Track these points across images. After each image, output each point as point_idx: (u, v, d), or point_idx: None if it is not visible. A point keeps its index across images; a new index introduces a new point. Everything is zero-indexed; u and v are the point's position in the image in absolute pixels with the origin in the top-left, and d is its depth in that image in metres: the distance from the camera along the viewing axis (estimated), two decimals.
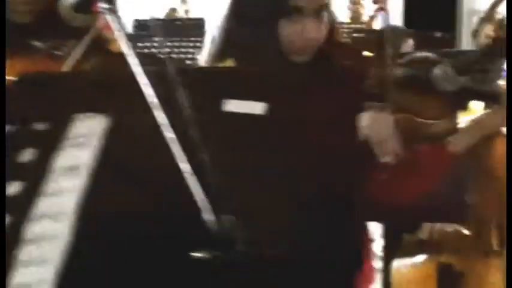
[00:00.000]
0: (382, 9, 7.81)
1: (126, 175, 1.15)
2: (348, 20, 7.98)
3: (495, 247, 3.03)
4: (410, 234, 3.21)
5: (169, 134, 1.17)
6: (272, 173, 1.34)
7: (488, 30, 4.68)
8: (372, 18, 7.60)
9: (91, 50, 1.83)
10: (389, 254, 3.42)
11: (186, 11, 9.27)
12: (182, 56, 5.65)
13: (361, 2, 7.87)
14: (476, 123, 1.93)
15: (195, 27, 6.73)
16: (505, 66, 1.92)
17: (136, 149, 1.19)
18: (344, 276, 1.37)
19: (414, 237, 3.12)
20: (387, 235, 3.66)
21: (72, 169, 1.12)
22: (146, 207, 1.16)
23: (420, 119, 1.88)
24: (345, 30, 6.72)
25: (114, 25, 1.26)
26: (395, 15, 9.66)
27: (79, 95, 1.16)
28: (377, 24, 7.83)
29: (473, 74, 1.87)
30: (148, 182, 1.17)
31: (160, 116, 1.18)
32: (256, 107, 1.40)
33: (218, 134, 1.37)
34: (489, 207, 3.15)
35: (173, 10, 9.16)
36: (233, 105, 1.39)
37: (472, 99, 1.94)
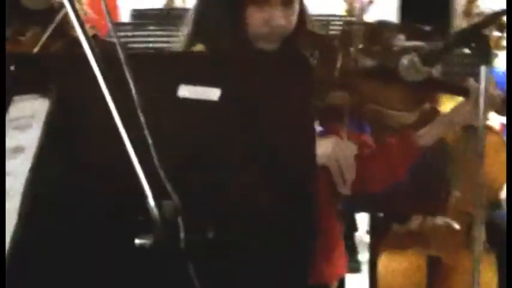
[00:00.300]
0: (371, 2, 7.85)
1: (70, 159, 1.15)
2: (344, 13, 7.96)
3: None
4: (399, 225, 3.24)
5: (116, 118, 1.17)
6: (223, 160, 1.35)
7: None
8: (361, 10, 7.61)
9: (55, 35, 1.84)
10: (377, 245, 3.43)
11: (183, 0, 9.23)
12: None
13: None
14: (443, 117, 1.94)
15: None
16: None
17: (81, 132, 1.19)
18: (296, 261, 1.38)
19: (403, 228, 3.18)
20: (375, 225, 3.68)
21: (17, 151, 1.13)
22: (91, 191, 1.17)
23: (387, 110, 1.88)
24: (337, 22, 6.69)
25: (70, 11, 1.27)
26: (391, 9, 9.66)
27: (20, 76, 1.16)
28: (368, 17, 7.83)
29: (440, 65, 1.87)
30: (93, 166, 1.18)
31: (108, 100, 1.19)
32: (212, 93, 1.40)
33: (172, 119, 1.39)
34: (473, 202, 3.16)
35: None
36: (188, 91, 1.40)
37: (439, 92, 1.95)
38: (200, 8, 1.91)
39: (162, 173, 1.10)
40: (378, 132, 1.95)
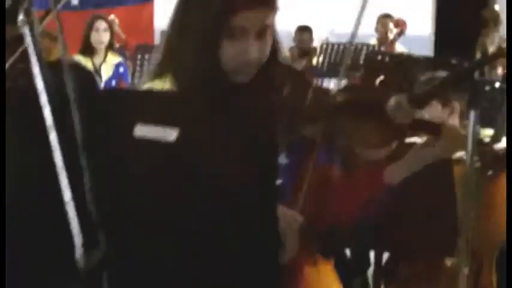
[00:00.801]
0: (401, 33, 7.83)
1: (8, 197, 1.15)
2: (375, 42, 7.95)
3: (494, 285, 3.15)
4: (406, 266, 3.19)
5: (58, 159, 1.16)
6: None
7: None
8: (392, 42, 7.58)
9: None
10: (380, 282, 3.39)
11: None
12: None
13: (390, 26, 7.84)
14: (411, 153, 1.90)
15: None
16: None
17: (22, 171, 1.19)
18: None
19: (410, 269, 3.16)
20: (378, 262, 3.63)
21: None
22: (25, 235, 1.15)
23: (358, 146, 1.84)
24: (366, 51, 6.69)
25: (26, 38, 1.27)
26: (426, 42, 9.64)
27: None
28: (398, 47, 7.81)
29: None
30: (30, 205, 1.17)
31: (52, 138, 1.18)
32: (168, 133, 1.39)
33: (128, 159, 1.38)
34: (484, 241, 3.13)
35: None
36: (145, 131, 1.38)
37: (414, 130, 1.91)
38: (173, 37, 1.87)
39: (94, 219, 1.08)
40: (348, 165, 1.93)
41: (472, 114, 1.92)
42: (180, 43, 1.83)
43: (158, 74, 1.87)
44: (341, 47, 7.19)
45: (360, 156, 1.85)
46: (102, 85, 5.62)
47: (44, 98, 1.22)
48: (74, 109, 1.21)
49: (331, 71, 7.06)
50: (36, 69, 1.26)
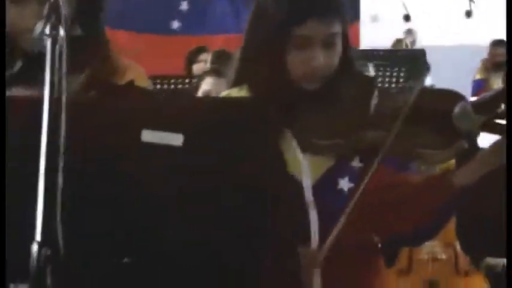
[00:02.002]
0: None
1: None
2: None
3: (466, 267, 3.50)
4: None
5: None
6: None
7: None
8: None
9: None
10: None
11: (412, 42, 9.37)
12: (391, 85, 5.69)
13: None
14: (481, 155, 1.80)
15: (411, 58, 6.81)
16: None
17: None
18: None
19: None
20: None
21: None
22: None
23: (420, 149, 1.80)
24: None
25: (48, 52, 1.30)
26: None
27: None
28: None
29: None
30: None
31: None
32: (175, 139, 1.37)
33: (136, 163, 1.37)
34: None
35: (399, 41, 9.35)
36: (151, 136, 1.37)
37: (486, 131, 1.83)
38: (244, 52, 1.94)
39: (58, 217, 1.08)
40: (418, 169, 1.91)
41: None
42: (251, 53, 1.90)
43: (235, 84, 1.93)
44: None
45: (422, 160, 1.84)
46: None
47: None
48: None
49: None
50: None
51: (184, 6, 8.13)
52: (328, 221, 1.80)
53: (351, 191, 1.84)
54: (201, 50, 5.97)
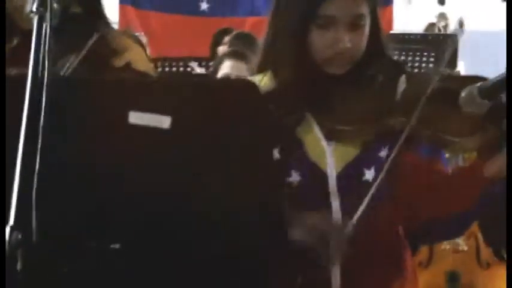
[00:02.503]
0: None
1: None
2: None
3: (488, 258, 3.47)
4: None
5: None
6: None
7: None
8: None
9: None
10: None
11: (444, 27, 9.28)
12: (421, 70, 5.61)
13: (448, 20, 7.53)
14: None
15: (442, 42, 6.74)
16: None
17: None
18: None
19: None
20: None
21: None
22: None
23: (444, 136, 1.73)
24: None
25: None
26: None
27: None
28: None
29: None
30: None
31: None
32: (163, 120, 1.33)
33: (123, 145, 1.33)
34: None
35: (432, 25, 9.25)
36: (139, 118, 1.33)
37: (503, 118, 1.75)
38: (268, 37, 1.86)
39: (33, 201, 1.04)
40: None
41: None
42: (275, 36, 1.81)
43: (259, 71, 1.85)
44: None
45: (447, 148, 1.77)
46: None
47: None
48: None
49: None
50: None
51: None
52: (351, 213, 1.71)
53: (378, 182, 1.74)
54: (227, 31, 5.87)
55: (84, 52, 1.83)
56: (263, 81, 1.80)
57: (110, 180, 1.30)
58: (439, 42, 6.77)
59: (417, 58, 5.75)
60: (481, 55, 7.12)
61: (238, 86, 1.30)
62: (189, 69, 5.02)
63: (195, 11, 8.01)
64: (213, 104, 1.30)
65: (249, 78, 1.88)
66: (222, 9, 8.03)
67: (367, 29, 1.78)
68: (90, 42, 1.85)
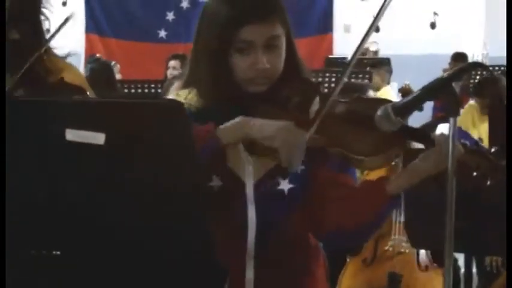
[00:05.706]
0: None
1: None
2: None
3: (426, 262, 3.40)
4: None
5: None
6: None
7: None
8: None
9: None
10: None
11: (375, 52, 9.25)
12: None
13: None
14: (411, 166, 1.73)
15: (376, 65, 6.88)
16: None
17: None
18: None
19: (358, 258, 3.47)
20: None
21: None
22: None
23: (351, 154, 1.71)
24: None
25: None
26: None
27: None
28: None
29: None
30: None
31: None
32: (97, 137, 1.30)
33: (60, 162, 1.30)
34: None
35: (367, 49, 9.24)
36: (75, 135, 1.30)
37: (409, 139, 1.76)
38: (192, 57, 1.84)
39: None
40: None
41: (451, 121, 1.73)
42: (197, 58, 1.80)
43: (184, 87, 1.83)
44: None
45: (357, 163, 1.74)
46: None
47: None
48: None
49: None
50: None
51: (170, 16, 8.10)
52: (266, 218, 1.72)
53: (291, 192, 1.75)
54: (175, 56, 5.96)
55: (21, 72, 1.79)
56: (189, 96, 1.78)
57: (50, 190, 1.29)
58: (373, 65, 6.87)
59: (352, 79, 5.84)
60: (411, 76, 7.19)
61: (165, 105, 1.28)
62: (153, 90, 5.06)
63: (154, 38, 8.01)
64: (141, 122, 1.29)
65: (175, 92, 1.87)
66: (179, 36, 8.03)
67: (283, 49, 1.77)
68: (27, 64, 1.82)
